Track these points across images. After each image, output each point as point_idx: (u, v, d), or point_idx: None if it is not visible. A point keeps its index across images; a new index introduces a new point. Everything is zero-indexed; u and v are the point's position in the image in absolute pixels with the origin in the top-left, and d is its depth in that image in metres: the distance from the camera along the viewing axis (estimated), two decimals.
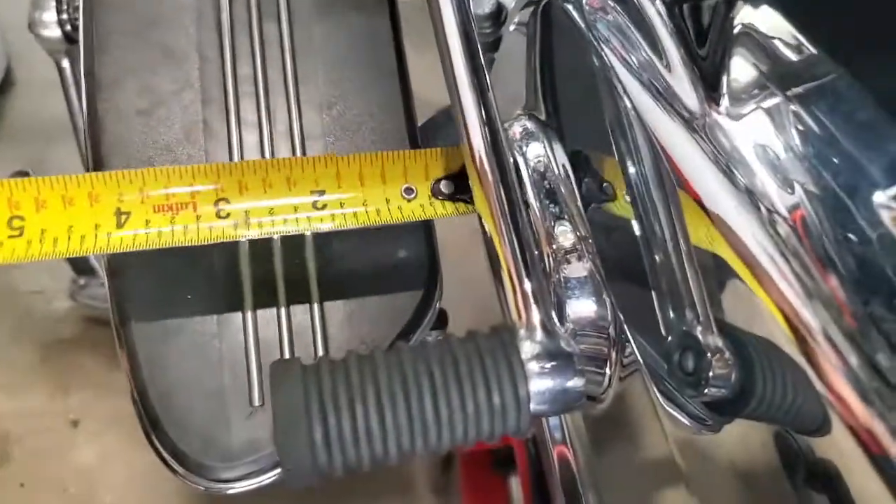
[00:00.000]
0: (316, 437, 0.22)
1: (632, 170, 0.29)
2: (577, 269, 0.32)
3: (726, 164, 0.25)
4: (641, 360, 0.29)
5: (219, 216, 0.30)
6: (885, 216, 0.22)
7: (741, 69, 0.26)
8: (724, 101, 0.26)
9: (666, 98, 0.28)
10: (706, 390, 0.25)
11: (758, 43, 0.26)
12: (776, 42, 0.26)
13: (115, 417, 0.90)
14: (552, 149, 0.35)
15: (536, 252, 0.27)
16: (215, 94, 0.37)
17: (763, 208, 0.23)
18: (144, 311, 0.34)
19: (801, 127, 0.24)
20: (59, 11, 0.48)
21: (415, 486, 0.91)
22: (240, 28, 0.39)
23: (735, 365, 0.24)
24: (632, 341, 0.30)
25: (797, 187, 0.23)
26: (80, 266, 0.88)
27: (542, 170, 0.35)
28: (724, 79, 0.26)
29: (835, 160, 0.23)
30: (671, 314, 0.28)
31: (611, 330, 0.31)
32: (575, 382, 0.24)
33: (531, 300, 0.25)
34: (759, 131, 0.25)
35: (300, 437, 0.22)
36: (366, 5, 0.40)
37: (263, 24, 0.39)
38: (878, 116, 0.24)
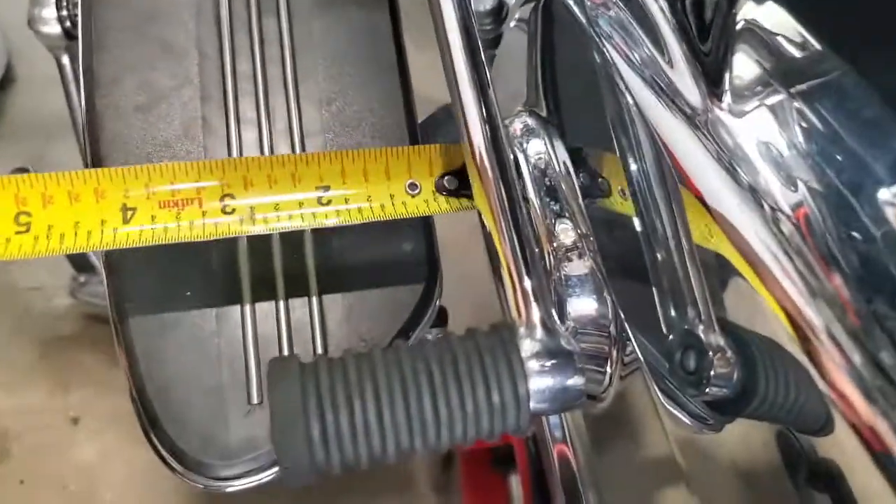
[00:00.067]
0: (314, 435, 0.21)
1: (633, 167, 0.29)
2: (578, 266, 0.31)
3: (729, 161, 0.25)
4: (642, 359, 0.29)
5: (224, 212, 0.30)
6: (890, 213, 0.22)
7: (744, 65, 0.26)
8: (727, 98, 0.26)
9: (668, 94, 0.27)
10: (708, 389, 0.25)
11: (761, 39, 0.26)
12: (779, 38, 0.26)
13: (115, 415, 0.90)
14: (553, 145, 0.35)
15: (537, 249, 0.27)
16: (214, 91, 0.37)
17: (766, 206, 0.23)
18: (143, 308, 0.34)
19: (804, 124, 0.24)
20: (58, 8, 0.48)
21: (415, 484, 0.91)
22: (239, 24, 0.38)
23: (737, 364, 0.24)
24: (633, 340, 0.30)
25: (800, 185, 0.23)
26: (80, 263, 0.88)
27: (542, 167, 0.34)
28: (727, 75, 0.26)
29: (838, 157, 0.23)
30: (672, 312, 0.27)
31: (612, 328, 0.31)
32: (575, 381, 0.24)
33: (531, 298, 0.25)
34: (762, 128, 0.25)
35: (298, 436, 0.21)
36: (366, 0, 0.40)
37: (263, 20, 0.39)
38: (883, 113, 0.24)
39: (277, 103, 0.37)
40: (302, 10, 0.39)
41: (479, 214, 0.29)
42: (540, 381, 0.23)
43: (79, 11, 0.38)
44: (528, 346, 0.24)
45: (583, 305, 0.31)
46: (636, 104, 0.28)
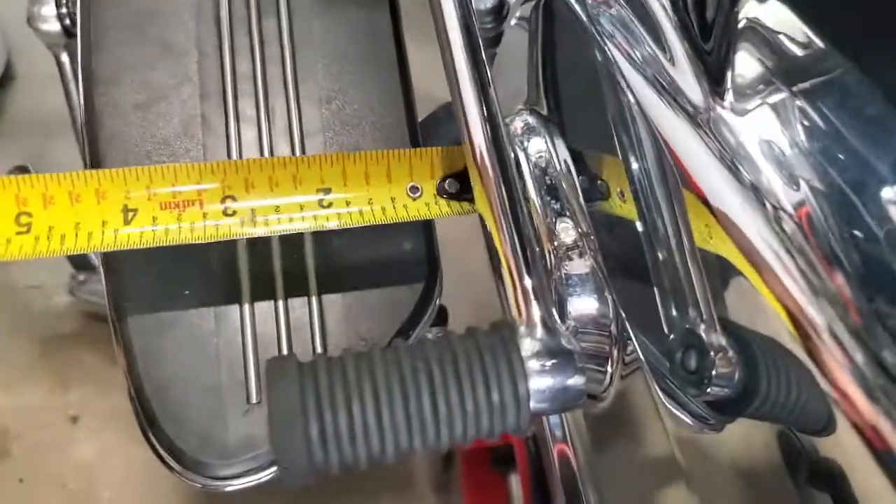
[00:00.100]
0: (312, 435, 0.21)
1: (635, 165, 0.29)
2: (579, 265, 0.31)
3: (731, 160, 0.25)
4: (643, 358, 0.29)
5: (225, 214, 0.30)
6: (893, 212, 0.22)
7: (746, 64, 0.26)
8: (729, 97, 0.26)
9: (670, 93, 0.27)
10: (709, 389, 0.25)
11: (763, 37, 0.26)
12: (782, 36, 0.26)
13: (114, 413, 0.90)
14: (554, 144, 0.35)
15: (537, 248, 0.26)
16: (214, 89, 0.37)
17: (768, 205, 0.23)
18: (141, 307, 0.34)
19: (806, 122, 0.24)
20: (57, 5, 0.48)
21: (415, 483, 0.91)
22: (239, 23, 0.38)
23: (738, 363, 0.24)
24: (633, 339, 0.30)
25: (803, 184, 0.23)
26: (80, 262, 0.88)
27: (543, 165, 0.34)
28: (729, 73, 0.26)
29: (841, 156, 0.23)
30: (674, 312, 0.27)
31: (612, 327, 0.31)
32: (576, 380, 0.23)
33: (531, 297, 0.25)
34: (764, 127, 0.25)
35: (296, 436, 0.21)
36: None
37: (262, 19, 0.39)
38: (885, 111, 0.23)
39: (277, 102, 0.37)
40: (302, 8, 0.39)
41: (480, 213, 0.29)
42: (540, 381, 0.23)
43: (78, 9, 0.38)
44: (528, 346, 0.24)
45: (583, 304, 0.31)
46: (637, 102, 0.28)
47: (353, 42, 0.39)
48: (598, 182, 0.32)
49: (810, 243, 0.22)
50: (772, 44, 0.26)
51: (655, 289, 0.28)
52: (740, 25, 0.26)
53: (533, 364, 0.23)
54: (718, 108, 0.26)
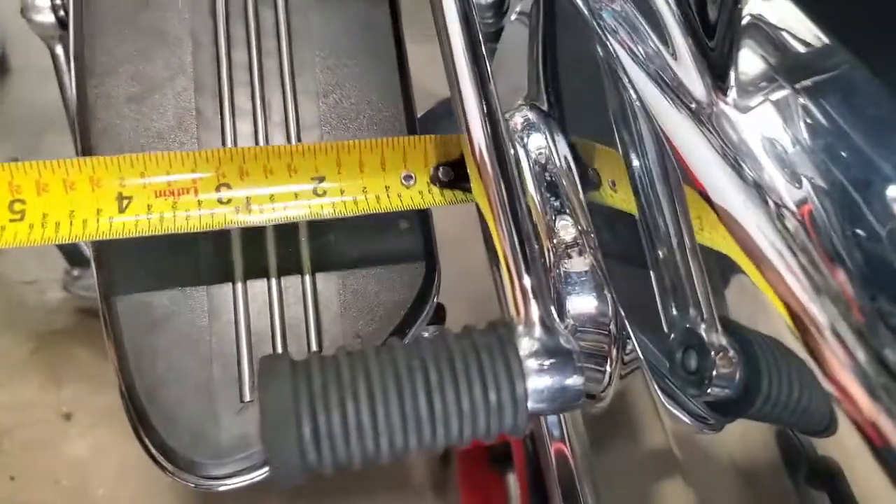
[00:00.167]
0: (305, 434, 0.21)
1: (636, 162, 0.29)
2: (578, 263, 0.31)
3: (734, 157, 0.24)
4: (643, 358, 0.29)
5: (220, 202, 0.30)
6: None
7: (750, 60, 0.26)
8: (733, 93, 0.25)
9: (672, 89, 0.27)
10: (709, 390, 0.24)
11: (767, 34, 0.26)
12: (786, 33, 0.25)
13: (107, 410, 0.90)
14: (554, 140, 0.34)
15: (536, 246, 0.26)
16: (209, 82, 0.36)
17: (771, 202, 0.23)
18: (133, 303, 0.34)
19: (810, 120, 0.24)
20: None
21: (412, 482, 0.90)
22: (235, 14, 0.38)
23: (739, 364, 0.24)
24: (633, 338, 0.30)
25: (805, 181, 0.23)
26: (74, 256, 0.87)
27: (543, 162, 0.34)
28: (733, 70, 0.26)
29: (844, 154, 0.23)
30: (674, 311, 0.27)
31: (612, 326, 0.31)
32: (574, 380, 0.23)
33: (530, 295, 0.25)
34: (767, 124, 0.25)
35: (289, 435, 0.21)
36: None
37: (259, 10, 0.38)
38: (890, 109, 0.23)
39: (273, 95, 0.37)
40: (299, 1, 0.39)
41: (478, 209, 0.29)
42: (538, 381, 0.23)
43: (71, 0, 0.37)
44: (526, 345, 0.23)
45: (582, 303, 0.31)
46: (639, 98, 0.28)
47: (351, 35, 0.38)
48: (590, 171, 0.32)
49: (812, 241, 0.22)
50: (776, 40, 0.25)
51: (655, 287, 0.28)
52: (744, 22, 0.26)
53: (531, 363, 0.23)
54: (721, 105, 0.26)
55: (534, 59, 0.37)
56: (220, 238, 0.35)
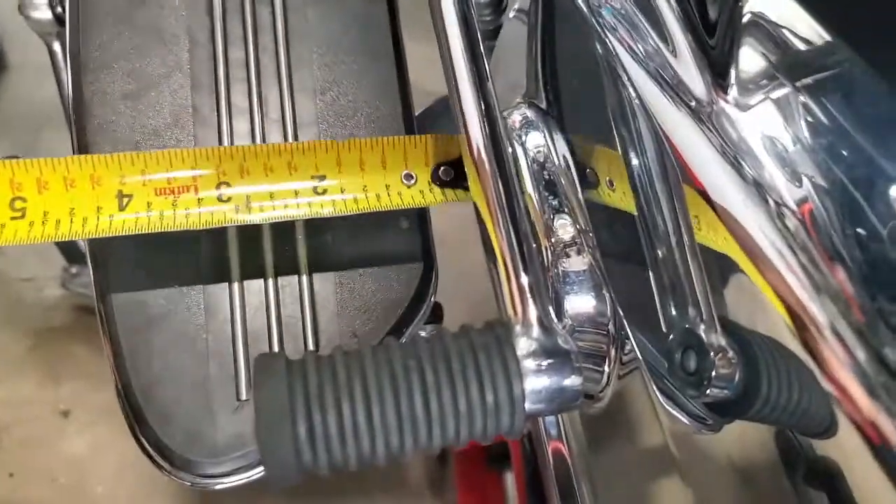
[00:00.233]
0: (300, 434, 0.21)
1: (635, 161, 0.28)
2: (577, 262, 0.31)
3: (734, 155, 0.24)
4: (641, 358, 0.29)
5: (220, 200, 0.30)
6: None
7: (751, 58, 0.25)
8: (733, 91, 0.25)
9: (672, 87, 0.27)
10: (709, 391, 0.24)
11: (768, 31, 0.25)
12: (787, 30, 0.25)
13: (105, 407, 0.90)
14: (552, 138, 0.34)
15: (534, 245, 0.26)
16: (205, 79, 0.36)
17: (771, 201, 0.23)
18: (129, 301, 0.33)
19: (811, 118, 0.24)
20: None
21: (409, 482, 0.90)
22: (232, 11, 0.37)
23: (739, 364, 0.24)
24: (632, 338, 0.29)
25: (806, 180, 0.23)
26: (72, 254, 0.87)
27: (541, 160, 0.34)
28: (733, 68, 0.25)
29: (845, 152, 0.23)
30: (673, 311, 0.27)
31: (610, 326, 0.31)
32: (572, 381, 0.23)
33: (528, 295, 0.24)
34: (768, 122, 0.24)
35: (284, 435, 0.21)
36: None
37: (256, 7, 0.38)
38: (890, 107, 0.23)
39: (270, 92, 0.37)
40: None
41: (476, 208, 0.29)
42: (536, 381, 0.23)
43: None
44: (524, 345, 0.23)
45: (581, 303, 0.31)
46: (639, 96, 0.27)
47: (348, 33, 0.38)
48: (587, 170, 0.32)
49: (813, 240, 0.22)
50: (776, 38, 0.25)
51: (654, 287, 0.28)
52: (745, 19, 0.26)
53: (528, 364, 0.23)
54: (721, 103, 0.25)
55: (532, 56, 0.37)
56: (216, 236, 0.34)
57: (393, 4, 0.40)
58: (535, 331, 0.24)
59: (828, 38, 0.24)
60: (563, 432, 0.37)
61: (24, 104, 1.12)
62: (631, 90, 0.28)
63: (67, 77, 0.36)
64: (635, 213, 0.29)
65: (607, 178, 0.31)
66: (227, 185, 0.30)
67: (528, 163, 0.34)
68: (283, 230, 0.35)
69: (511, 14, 0.40)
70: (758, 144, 0.24)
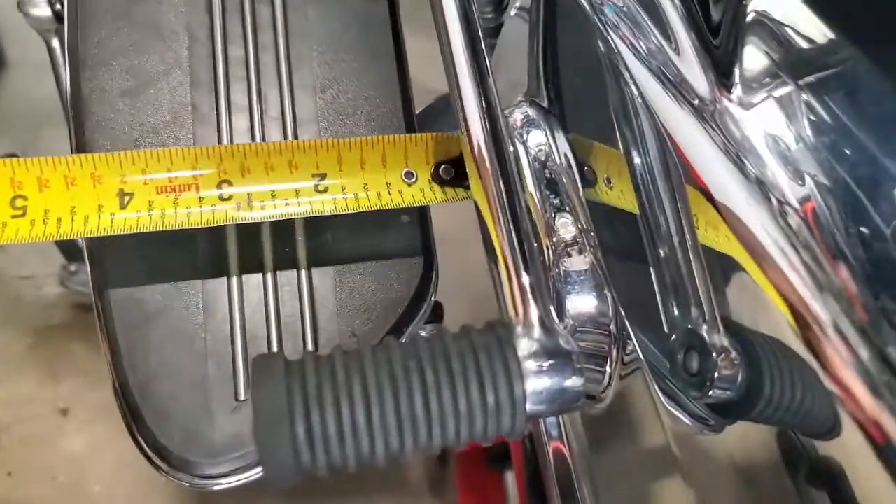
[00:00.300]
0: (299, 434, 0.21)
1: (637, 159, 0.28)
2: (578, 262, 0.31)
3: (736, 153, 0.24)
4: (643, 358, 0.29)
5: (221, 199, 0.30)
6: None
7: (755, 56, 0.25)
8: (737, 90, 0.25)
9: (675, 85, 0.27)
10: (711, 392, 0.24)
11: (772, 30, 0.25)
12: (791, 29, 0.25)
13: (105, 406, 0.90)
14: (554, 137, 0.34)
15: (535, 245, 0.26)
16: (205, 76, 0.36)
17: (774, 199, 0.23)
18: (127, 299, 0.33)
19: (814, 117, 0.24)
20: None
21: (409, 482, 0.90)
22: (231, 8, 0.37)
23: (742, 365, 0.24)
24: (633, 338, 0.29)
25: (809, 178, 0.23)
26: (71, 252, 0.87)
27: (543, 159, 0.34)
28: (737, 66, 0.25)
29: (848, 151, 0.23)
30: (675, 311, 0.27)
31: (612, 326, 0.30)
32: (574, 382, 0.23)
33: (529, 295, 0.24)
34: (771, 120, 0.24)
35: (282, 436, 0.21)
36: None
37: (256, 5, 0.38)
38: (894, 106, 0.23)
39: (270, 90, 0.36)
40: None
41: (477, 207, 0.29)
42: (537, 382, 0.22)
43: None
44: (525, 346, 0.23)
45: (582, 302, 0.30)
46: (641, 95, 0.27)
47: (349, 30, 0.38)
48: (585, 168, 0.32)
49: (816, 238, 0.22)
50: (780, 37, 0.25)
51: (656, 286, 0.28)
52: (749, 18, 0.26)
53: (530, 364, 0.22)
54: (725, 102, 0.25)
55: (534, 54, 0.36)
56: (215, 233, 0.34)
57: (394, 2, 0.39)
58: (537, 331, 0.23)
59: (831, 36, 0.24)
60: (564, 432, 0.37)
61: (24, 101, 1.12)
62: (633, 88, 0.28)
63: (66, 74, 0.36)
64: (633, 212, 0.29)
65: (605, 176, 0.30)
66: (229, 183, 0.30)
67: (529, 161, 0.34)
68: (282, 228, 0.35)
69: (512, 12, 0.40)
70: (761, 143, 0.24)
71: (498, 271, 0.26)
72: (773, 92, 0.25)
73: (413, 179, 0.31)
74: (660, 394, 0.28)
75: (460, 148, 0.31)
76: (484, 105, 0.28)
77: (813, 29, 0.24)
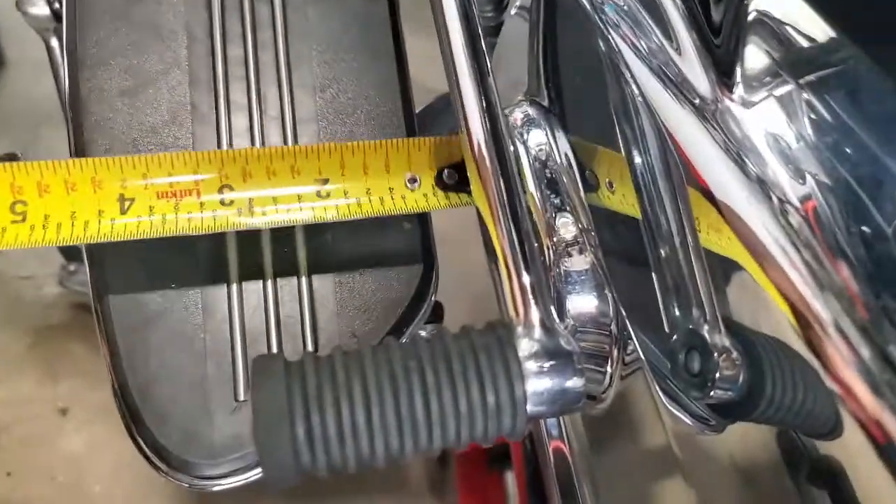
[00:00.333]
0: (298, 435, 0.21)
1: (638, 159, 0.28)
2: (579, 262, 0.31)
3: (737, 152, 0.24)
4: (644, 359, 0.29)
5: (223, 204, 0.30)
6: None
7: (756, 55, 0.25)
8: (738, 89, 0.25)
9: (676, 84, 0.26)
10: (712, 392, 0.24)
11: (773, 29, 0.25)
12: (792, 28, 0.25)
13: (104, 406, 0.89)
14: (554, 136, 0.34)
15: (536, 244, 0.26)
16: (204, 76, 0.36)
17: (775, 198, 0.23)
18: (126, 300, 0.33)
19: (815, 116, 0.23)
20: None
21: (410, 483, 0.90)
22: (231, 7, 0.37)
23: (743, 365, 0.24)
24: (634, 339, 0.29)
25: (809, 177, 0.23)
26: (70, 252, 0.87)
27: (543, 158, 0.34)
28: (738, 65, 0.25)
29: (850, 150, 0.23)
30: (676, 311, 0.27)
31: (613, 326, 0.30)
32: (574, 382, 0.23)
33: (529, 295, 0.24)
34: (772, 119, 0.24)
35: (282, 436, 0.21)
36: None
37: (255, 3, 0.37)
38: (894, 105, 0.23)
39: (269, 89, 0.36)
40: None
41: (477, 207, 0.28)
42: (538, 383, 0.22)
43: None
44: (525, 346, 0.23)
45: (583, 303, 0.30)
46: (642, 94, 0.27)
47: (348, 30, 0.38)
48: (587, 172, 0.32)
49: (816, 237, 0.22)
50: (781, 36, 0.25)
51: (657, 286, 0.28)
52: (750, 17, 0.26)
53: (530, 365, 0.22)
54: (726, 101, 0.25)
55: (534, 53, 0.36)
56: (215, 235, 0.34)
57: (394, 2, 0.39)
58: (537, 332, 0.23)
59: (832, 35, 0.24)
60: (564, 433, 0.37)
61: (23, 101, 1.12)
62: (634, 87, 0.28)
63: (64, 74, 0.36)
64: (636, 216, 0.28)
65: (607, 180, 0.30)
66: (230, 188, 0.30)
67: (529, 161, 0.34)
68: (282, 229, 0.35)
69: (513, 11, 0.40)
70: (762, 142, 0.24)
71: (498, 271, 0.25)
72: (774, 91, 0.25)
73: (416, 185, 0.31)
74: (661, 394, 0.28)
75: (463, 152, 0.31)
76: (484, 104, 0.28)
77: (814, 28, 0.24)
